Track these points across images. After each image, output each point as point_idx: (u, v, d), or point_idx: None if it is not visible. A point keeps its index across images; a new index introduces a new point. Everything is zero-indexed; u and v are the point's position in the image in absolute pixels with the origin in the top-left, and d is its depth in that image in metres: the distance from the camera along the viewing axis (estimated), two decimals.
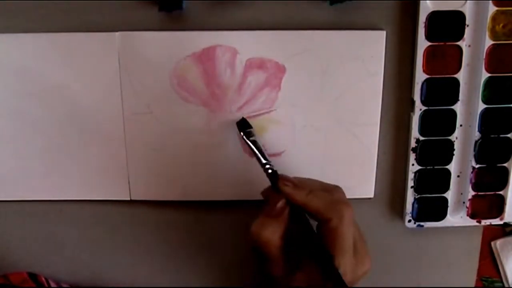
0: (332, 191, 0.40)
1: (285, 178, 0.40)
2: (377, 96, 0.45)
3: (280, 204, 0.39)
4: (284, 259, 0.39)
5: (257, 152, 0.42)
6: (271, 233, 0.38)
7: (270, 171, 0.41)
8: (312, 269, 0.38)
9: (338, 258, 0.37)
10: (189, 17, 0.44)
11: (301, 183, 0.40)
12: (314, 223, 0.40)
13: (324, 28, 0.44)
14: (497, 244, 0.50)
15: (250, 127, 0.44)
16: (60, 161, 0.46)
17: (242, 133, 0.43)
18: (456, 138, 0.46)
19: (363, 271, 0.40)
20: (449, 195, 0.47)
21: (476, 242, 0.50)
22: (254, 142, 0.43)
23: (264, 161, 0.42)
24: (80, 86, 0.45)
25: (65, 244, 0.49)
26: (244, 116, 0.45)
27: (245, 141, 0.43)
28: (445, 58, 0.44)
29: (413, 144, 0.46)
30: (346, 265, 0.37)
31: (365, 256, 0.40)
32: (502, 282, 0.52)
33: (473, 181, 0.47)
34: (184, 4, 0.43)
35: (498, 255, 0.50)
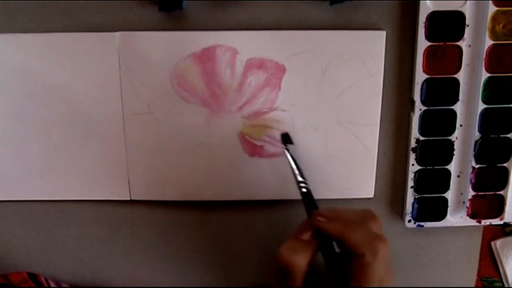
0: (367, 222, 0.39)
1: (319, 213, 0.39)
2: (377, 96, 0.45)
3: (308, 233, 0.39)
4: (305, 286, 0.38)
5: (295, 168, 0.42)
6: (300, 258, 0.37)
7: (304, 190, 0.41)
8: None
9: None
10: (189, 17, 0.44)
11: (335, 215, 0.39)
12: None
13: (324, 28, 0.44)
14: (497, 244, 0.50)
15: (292, 143, 0.45)
16: (60, 161, 0.46)
17: (284, 147, 0.44)
18: (456, 138, 0.46)
19: None
20: (449, 195, 0.47)
21: (476, 242, 0.50)
22: (294, 159, 0.43)
23: (300, 179, 0.41)
24: (80, 86, 0.45)
25: (65, 244, 0.49)
26: (245, 116, 0.45)
27: (287, 155, 0.43)
28: (445, 58, 0.44)
29: (413, 144, 0.46)
30: None
31: (389, 282, 0.39)
32: (502, 282, 0.52)
33: (473, 181, 0.47)
34: (184, 4, 0.43)
35: (498, 255, 0.50)
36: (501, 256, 0.50)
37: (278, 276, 0.38)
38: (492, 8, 0.42)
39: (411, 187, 0.47)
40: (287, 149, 0.44)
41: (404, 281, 0.51)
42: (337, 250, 0.39)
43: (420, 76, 0.44)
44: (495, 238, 0.50)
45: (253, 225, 0.49)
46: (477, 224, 0.48)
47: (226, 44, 0.44)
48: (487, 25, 0.43)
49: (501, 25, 0.43)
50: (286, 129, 0.46)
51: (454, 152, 0.46)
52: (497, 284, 0.52)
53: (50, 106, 0.45)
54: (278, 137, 0.46)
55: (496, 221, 0.48)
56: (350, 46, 0.44)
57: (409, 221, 0.48)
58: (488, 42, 0.43)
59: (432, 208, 0.48)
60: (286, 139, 0.45)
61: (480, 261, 0.51)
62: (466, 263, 0.51)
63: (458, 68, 0.44)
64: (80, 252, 0.49)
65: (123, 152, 0.46)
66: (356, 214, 0.40)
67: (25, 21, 0.43)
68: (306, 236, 0.39)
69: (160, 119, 0.45)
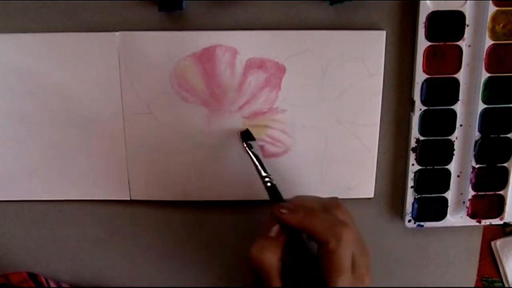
0: (331, 210, 0.40)
1: (280, 206, 0.39)
2: (377, 96, 0.45)
3: (275, 228, 0.39)
4: (282, 282, 0.39)
5: (258, 164, 0.42)
6: (271, 255, 0.38)
7: (269, 184, 0.41)
8: None
9: (334, 279, 0.37)
10: (189, 17, 0.44)
11: (297, 206, 0.39)
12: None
13: (324, 28, 0.44)
14: (497, 244, 0.50)
15: (253, 139, 0.44)
16: (60, 161, 0.46)
17: (244, 144, 0.44)
18: (456, 138, 0.46)
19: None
20: (449, 195, 0.47)
21: (476, 242, 0.50)
22: (256, 155, 0.43)
23: (264, 174, 0.42)
24: (80, 86, 0.45)
25: (65, 244, 0.49)
26: (245, 116, 0.45)
27: (247, 152, 0.43)
28: (445, 58, 0.44)
29: (413, 144, 0.46)
30: (344, 285, 0.37)
31: (365, 273, 0.39)
32: (502, 282, 0.52)
33: (473, 181, 0.47)
34: (184, 4, 0.43)
35: (498, 255, 0.50)
36: (501, 256, 0.50)
37: (255, 277, 0.39)
38: (492, 8, 0.42)
39: (411, 187, 0.47)
40: (248, 146, 0.44)
41: (404, 281, 0.51)
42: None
43: (420, 76, 0.44)
44: (495, 238, 0.50)
45: (253, 225, 0.49)
46: (477, 224, 0.48)
47: (226, 44, 0.44)
48: (487, 25, 0.43)
49: (501, 25, 0.43)
50: (286, 129, 0.46)
51: (454, 152, 0.46)
52: (497, 284, 0.52)
53: (50, 106, 0.45)
54: (278, 137, 0.46)
55: (496, 221, 0.48)
56: (350, 46, 0.44)
57: (409, 221, 0.48)
58: (488, 42, 0.43)
59: (432, 208, 0.48)
60: (247, 136, 0.45)
61: (480, 261, 0.51)
62: (466, 263, 0.51)
63: (458, 68, 0.44)
64: (80, 252, 0.49)
65: (123, 152, 0.46)
66: (319, 202, 0.40)
67: (25, 21, 0.43)
68: (274, 232, 0.39)
69: (160, 119, 0.45)
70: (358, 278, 0.38)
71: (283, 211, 0.39)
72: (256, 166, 0.42)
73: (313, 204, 0.40)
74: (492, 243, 0.50)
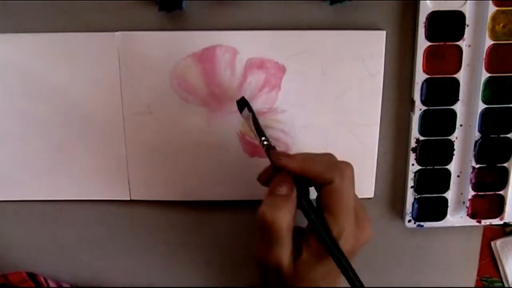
0: (326, 155, 0.39)
1: (278, 152, 0.39)
2: (377, 96, 0.45)
3: (286, 183, 0.37)
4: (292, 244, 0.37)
5: (255, 129, 0.41)
6: (284, 213, 0.35)
7: (265, 142, 0.40)
8: (314, 249, 0.37)
9: (341, 219, 0.36)
10: (189, 17, 0.44)
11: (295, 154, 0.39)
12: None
13: (324, 28, 0.44)
14: (497, 244, 0.50)
15: (249, 106, 0.43)
16: (60, 161, 0.46)
17: (240, 110, 0.43)
18: (456, 138, 0.46)
19: (364, 238, 0.38)
20: (449, 195, 0.47)
21: (476, 242, 0.50)
22: (254, 118, 0.42)
23: (263, 138, 0.41)
24: (80, 86, 0.45)
25: (65, 244, 0.49)
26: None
27: (246, 119, 0.42)
28: (445, 58, 0.44)
29: (413, 144, 0.46)
30: (349, 228, 0.36)
31: (365, 221, 0.38)
32: (502, 282, 0.52)
33: (473, 181, 0.47)
34: (184, 4, 0.43)
35: (498, 255, 0.50)
36: (501, 256, 0.50)
37: (265, 241, 0.36)
38: (492, 8, 0.42)
39: (411, 187, 0.47)
40: (246, 113, 0.42)
41: (404, 281, 0.51)
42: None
43: (420, 76, 0.44)
44: (495, 238, 0.50)
45: (253, 225, 0.49)
46: (477, 224, 0.48)
47: (226, 44, 0.44)
48: (487, 25, 0.43)
49: (501, 25, 0.43)
50: (286, 129, 0.46)
51: (454, 152, 0.46)
52: (497, 284, 0.52)
53: (50, 106, 0.45)
54: (278, 137, 0.46)
55: (496, 221, 0.48)
56: (350, 46, 0.44)
57: (409, 221, 0.48)
58: (488, 42, 0.43)
59: (432, 208, 0.48)
60: (243, 104, 0.43)
61: (480, 261, 0.51)
62: (466, 263, 0.51)
63: (458, 68, 0.44)
64: (80, 252, 0.49)
65: (123, 152, 0.46)
66: (315, 153, 0.39)
67: (25, 21, 0.43)
68: (284, 190, 0.37)
69: (160, 119, 0.45)
70: (360, 226, 0.38)
71: (281, 156, 0.38)
72: (252, 130, 0.41)
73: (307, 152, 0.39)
74: (492, 243, 0.50)
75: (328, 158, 0.39)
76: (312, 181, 0.38)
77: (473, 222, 0.48)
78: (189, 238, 0.49)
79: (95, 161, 0.46)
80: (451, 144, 0.46)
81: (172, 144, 0.46)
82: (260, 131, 0.41)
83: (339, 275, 0.36)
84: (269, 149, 0.40)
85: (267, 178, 0.40)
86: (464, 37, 0.43)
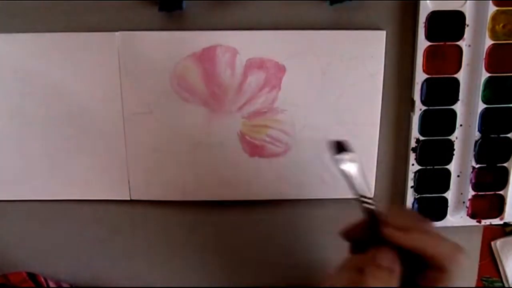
0: (428, 226, 0.36)
1: (391, 226, 0.35)
2: (377, 96, 0.45)
3: (390, 256, 0.34)
4: None
5: (354, 183, 0.36)
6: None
7: (366, 205, 0.35)
8: None
9: None
10: (189, 17, 0.44)
11: (404, 224, 0.35)
12: None
13: (324, 28, 0.44)
14: (497, 244, 0.50)
15: (347, 150, 0.36)
16: (60, 161, 0.46)
17: (336, 157, 0.36)
18: (456, 138, 0.46)
19: None
20: (449, 195, 0.47)
21: (476, 242, 0.50)
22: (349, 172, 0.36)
23: (363, 196, 0.36)
24: (80, 86, 0.45)
25: (65, 244, 0.49)
26: (245, 116, 0.44)
27: (338, 167, 0.36)
28: (445, 58, 0.44)
29: (413, 144, 0.46)
30: None
31: None
32: (502, 282, 0.52)
33: (473, 181, 0.47)
34: (184, 4, 0.43)
35: (498, 255, 0.50)
36: (501, 256, 0.50)
37: None
38: (492, 8, 0.42)
39: (411, 187, 0.47)
40: (340, 159, 0.36)
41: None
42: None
43: (420, 76, 0.44)
44: (495, 238, 0.50)
45: (253, 225, 0.49)
46: (477, 224, 0.48)
47: (226, 44, 0.44)
48: (487, 25, 0.43)
49: (501, 25, 0.43)
50: (286, 129, 0.46)
51: (454, 152, 0.46)
52: (497, 284, 0.52)
53: (50, 106, 0.45)
54: (278, 137, 0.46)
55: (496, 221, 0.48)
56: (350, 46, 0.44)
57: None
58: (488, 42, 0.43)
59: (432, 208, 0.48)
60: (340, 147, 0.37)
61: (480, 261, 0.51)
62: (466, 263, 0.51)
63: (458, 68, 0.44)
64: (80, 252, 0.49)
65: (123, 152, 0.46)
66: (414, 216, 0.37)
67: (25, 21, 0.43)
68: (388, 261, 0.34)
69: (160, 119, 0.45)
70: None
71: (396, 233, 0.34)
72: (353, 185, 0.36)
73: (413, 220, 0.36)
74: (492, 243, 0.50)
75: (444, 241, 0.35)
76: (420, 257, 0.35)
77: (473, 222, 0.48)
78: (189, 238, 0.49)
79: (95, 161, 0.46)
80: (451, 144, 0.46)
81: (172, 144, 0.46)
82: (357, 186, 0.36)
83: None
84: (373, 215, 0.35)
85: (356, 236, 0.37)
86: (464, 37, 0.43)
